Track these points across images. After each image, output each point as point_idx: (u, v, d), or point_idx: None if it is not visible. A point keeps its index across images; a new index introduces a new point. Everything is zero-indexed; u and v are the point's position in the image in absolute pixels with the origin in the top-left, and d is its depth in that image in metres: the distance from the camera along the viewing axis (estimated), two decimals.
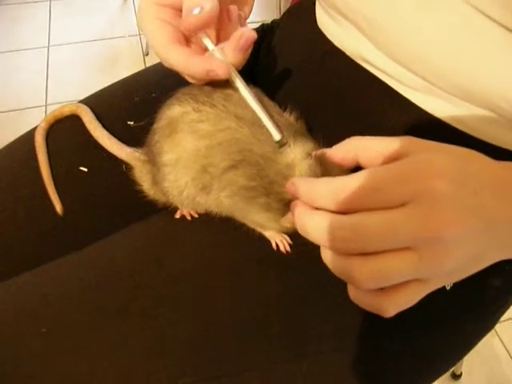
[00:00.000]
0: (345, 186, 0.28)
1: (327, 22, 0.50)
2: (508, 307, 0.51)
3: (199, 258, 0.43)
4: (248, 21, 0.48)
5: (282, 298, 0.42)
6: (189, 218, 0.47)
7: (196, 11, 0.35)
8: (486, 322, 0.50)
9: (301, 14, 0.57)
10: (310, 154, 0.38)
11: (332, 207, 0.29)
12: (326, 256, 0.30)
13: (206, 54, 0.40)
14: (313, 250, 0.32)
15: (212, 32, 0.42)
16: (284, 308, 0.42)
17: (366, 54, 0.46)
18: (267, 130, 0.38)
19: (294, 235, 0.43)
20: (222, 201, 0.42)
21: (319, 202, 0.30)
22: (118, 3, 2.03)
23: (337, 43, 0.48)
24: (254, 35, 0.38)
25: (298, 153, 0.39)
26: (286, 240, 0.44)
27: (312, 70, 0.50)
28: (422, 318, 0.44)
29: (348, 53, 0.47)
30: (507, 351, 1.10)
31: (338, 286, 0.32)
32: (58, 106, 0.54)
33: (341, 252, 0.29)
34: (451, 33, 0.39)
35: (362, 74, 0.46)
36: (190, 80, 0.42)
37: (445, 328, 0.46)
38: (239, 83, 0.39)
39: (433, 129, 0.44)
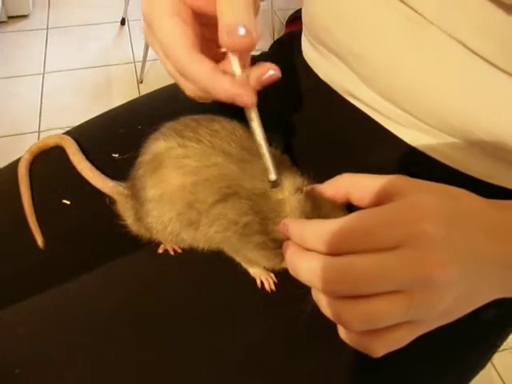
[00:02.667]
0: (336, 229, 0.28)
1: (313, 56, 0.50)
2: (506, 338, 0.50)
3: (180, 299, 0.42)
4: None
5: (265, 342, 0.40)
6: (172, 253, 0.45)
7: (242, 32, 0.31)
8: (483, 353, 0.48)
9: (288, 45, 0.57)
10: (299, 189, 0.38)
11: (323, 249, 0.29)
12: (317, 297, 0.30)
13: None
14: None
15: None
16: (267, 352, 0.40)
17: (351, 89, 0.46)
18: (266, 167, 0.37)
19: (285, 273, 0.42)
20: (213, 236, 0.41)
21: (310, 243, 0.30)
22: (114, 31, 2.06)
23: (322, 76, 0.49)
24: (279, 74, 0.35)
25: (287, 188, 0.39)
26: (272, 278, 0.43)
27: (297, 102, 0.50)
28: (417, 350, 0.42)
29: (334, 86, 0.48)
30: (502, 382, 1.08)
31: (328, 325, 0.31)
32: (52, 132, 0.53)
33: (331, 294, 0.28)
34: (439, 71, 0.39)
35: (347, 108, 0.46)
36: (201, 95, 0.36)
37: (442, 360, 0.44)
38: (254, 115, 0.36)
39: (419, 163, 0.44)
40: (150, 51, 1.77)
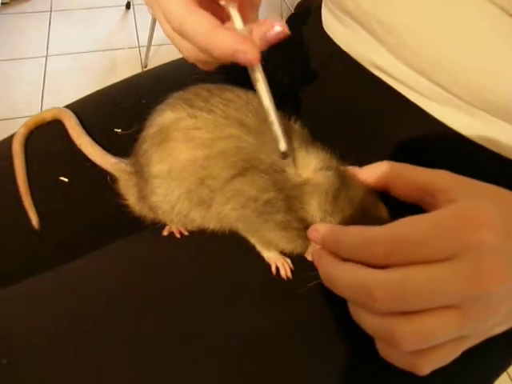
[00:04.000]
0: (381, 238, 0.26)
1: (334, 25, 0.46)
2: None
3: (182, 285, 0.38)
4: None
5: (270, 335, 0.37)
6: (178, 235, 0.42)
7: None
8: (501, 361, 0.45)
9: (305, 17, 0.54)
10: (327, 166, 0.35)
11: (364, 260, 0.26)
12: (358, 314, 0.28)
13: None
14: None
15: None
16: (269, 341, 0.36)
17: (376, 59, 0.42)
18: (275, 136, 0.33)
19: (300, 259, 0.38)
20: (228, 214, 0.37)
21: (348, 253, 0.28)
22: (119, 15, 2.02)
23: (344, 47, 0.45)
24: (288, 31, 0.31)
25: (311, 164, 0.36)
26: (289, 264, 0.39)
27: (316, 73, 0.46)
28: None
29: (357, 57, 0.44)
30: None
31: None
32: None
33: (379, 311, 0.26)
34: (477, 37, 0.35)
35: (370, 80, 0.42)
36: (201, 57, 0.33)
37: (458, 368, 0.41)
38: (260, 76, 0.33)
39: (449, 142, 0.40)
40: (155, 36, 1.72)
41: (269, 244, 0.38)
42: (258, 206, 0.35)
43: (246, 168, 0.35)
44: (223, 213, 0.37)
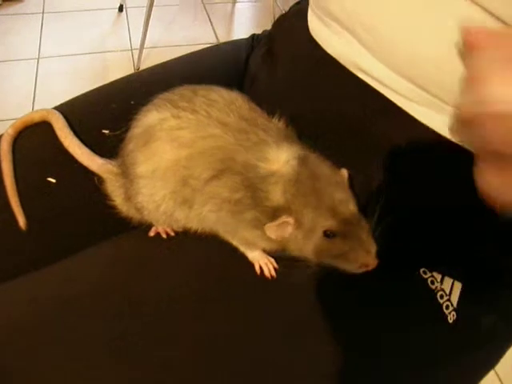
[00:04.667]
0: None
1: (320, 29, 0.47)
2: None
3: (168, 285, 0.38)
4: (242, 35, 0.43)
5: (258, 329, 0.37)
6: (164, 235, 0.42)
7: None
8: (489, 358, 0.46)
9: (292, 22, 0.54)
10: (293, 157, 0.36)
11: None
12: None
13: None
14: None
15: None
16: (259, 339, 0.37)
17: (361, 63, 0.43)
18: None
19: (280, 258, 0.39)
20: (207, 216, 0.38)
21: None
22: (112, 17, 2.02)
23: (330, 51, 0.45)
24: None
25: (282, 157, 0.36)
26: (272, 263, 0.39)
27: (303, 77, 0.47)
28: (426, 354, 0.40)
29: (342, 61, 0.44)
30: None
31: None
32: None
33: None
34: (455, 40, 0.36)
35: (356, 84, 0.43)
36: None
37: (449, 364, 0.42)
38: None
39: (430, 143, 0.41)
40: (148, 39, 1.73)
41: (249, 244, 0.38)
42: (230, 206, 0.36)
43: (221, 170, 0.36)
44: (203, 214, 0.38)
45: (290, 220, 0.34)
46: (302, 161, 0.35)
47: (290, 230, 0.35)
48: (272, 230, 0.34)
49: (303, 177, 0.34)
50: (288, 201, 0.34)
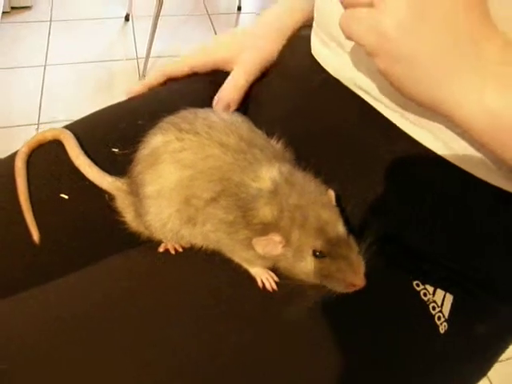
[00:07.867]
0: None
1: (321, 51, 0.49)
2: (503, 351, 0.49)
3: (176, 298, 0.41)
4: None
5: (261, 342, 0.39)
6: (173, 252, 0.44)
7: None
8: (480, 367, 0.48)
9: (295, 44, 0.56)
10: (281, 174, 0.38)
11: None
12: None
13: None
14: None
15: None
16: (262, 352, 0.39)
17: (360, 82, 0.44)
18: None
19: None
20: (208, 235, 0.40)
21: None
22: (118, 26, 2.05)
23: (331, 71, 0.47)
24: None
25: (270, 175, 0.38)
26: (273, 277, 0.41)
27: (306, 99, 0.49)
28: (418, 364, 0.42)
29: (343, 81, 0.46)
30: None
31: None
32: (51, 125, 0.53)
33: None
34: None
35: (356, 102, 0.45)
36: None
37: (439, 373, 0.44)
38: None
39: (424, 161, 0.42)
40: (154, 48, 1.76)
41: (249, 262, 0.41)
42: (226, 227, 0.38)
43: (218, 191, 0.38)
44: (204, 233, 0.40)
45: (277, 237, 0.36)
46: (287, 178, 0.37)
47: (279, 247, 0.37)
48: (259, 246, 0.36)
49: (287, 194, 0.36)
50: (275, 218, 0.36)
